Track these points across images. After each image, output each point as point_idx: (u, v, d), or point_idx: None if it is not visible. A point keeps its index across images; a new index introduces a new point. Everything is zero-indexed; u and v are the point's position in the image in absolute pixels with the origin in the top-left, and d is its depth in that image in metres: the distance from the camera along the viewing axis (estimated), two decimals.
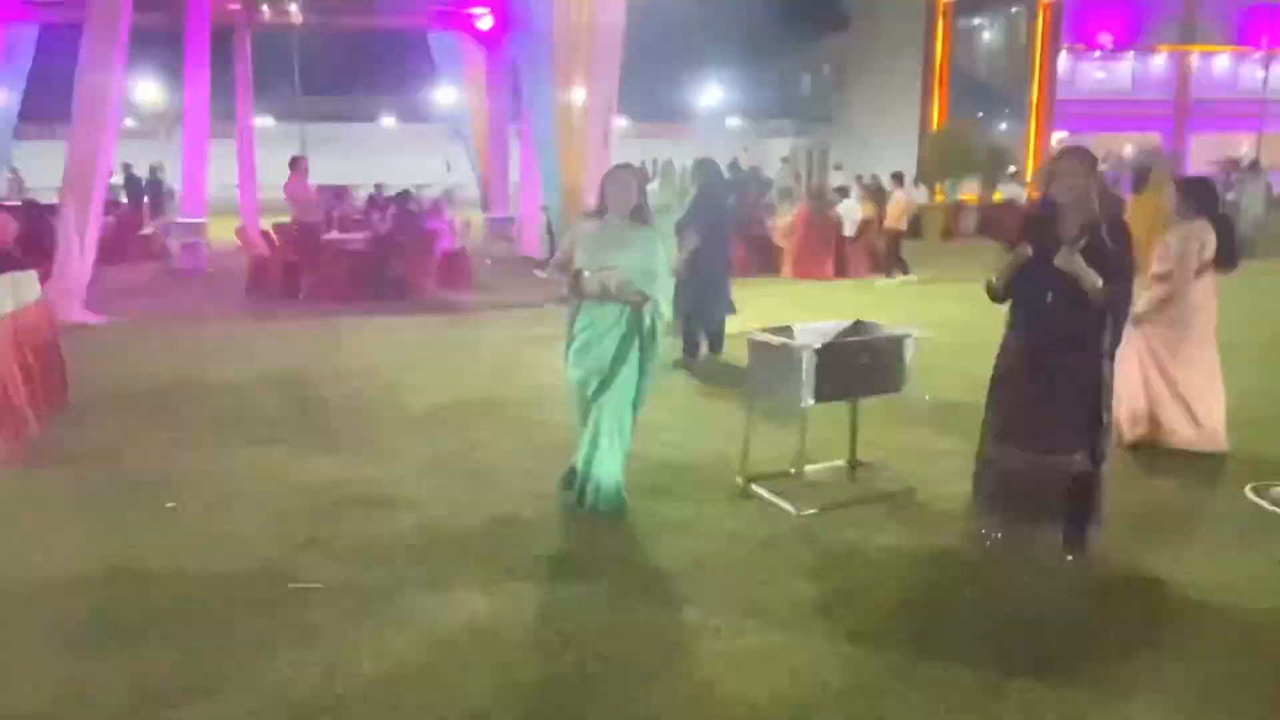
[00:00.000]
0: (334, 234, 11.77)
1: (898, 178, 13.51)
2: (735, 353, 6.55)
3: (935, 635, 3.14)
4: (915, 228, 18.87)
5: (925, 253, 16.25)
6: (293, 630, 3.15)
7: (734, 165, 17.90)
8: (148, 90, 34.18)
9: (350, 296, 10.78)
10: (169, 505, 4.35)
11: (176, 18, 13.75)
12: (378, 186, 16.45)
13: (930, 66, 30.66)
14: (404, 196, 12.28)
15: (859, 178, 18.28)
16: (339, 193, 15.44)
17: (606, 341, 4.03)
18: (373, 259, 11.25)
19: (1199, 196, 4.94)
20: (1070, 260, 3.46)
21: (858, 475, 4.77)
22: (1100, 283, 3.47)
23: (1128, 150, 20.54)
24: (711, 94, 37.24)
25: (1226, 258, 4.87)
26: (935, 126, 29.01)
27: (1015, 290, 3.70)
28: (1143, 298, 4.95)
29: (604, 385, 4.05)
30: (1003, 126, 32.50)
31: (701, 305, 7.28)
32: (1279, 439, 5.28)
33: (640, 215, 4.07)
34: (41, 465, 4.95)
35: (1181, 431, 5.01)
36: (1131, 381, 4.99)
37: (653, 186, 8.52)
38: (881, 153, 32.09)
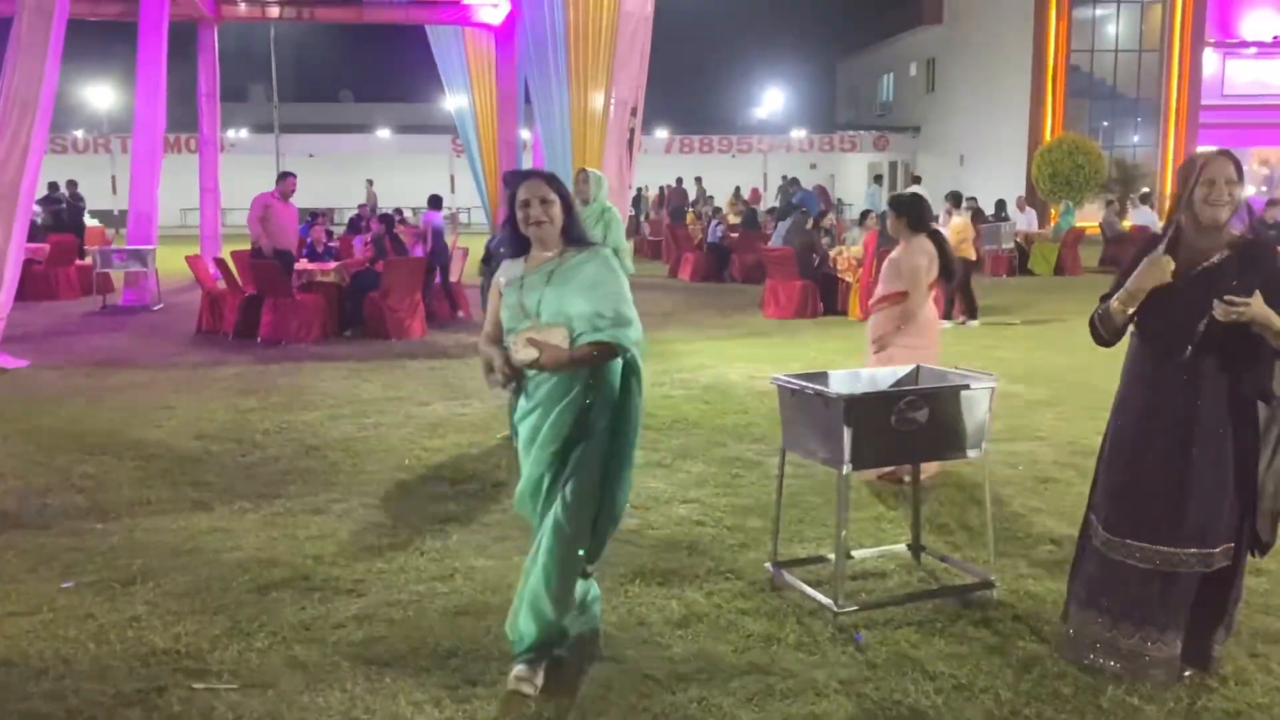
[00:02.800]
0: (303, 263, 12.00)
1: (954, 198, 13.49)
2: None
3: None
4: (1023, 260, 18.79)
5: (1032, 290, 16.12)
6: None
7: (792, 184, 18.02)
8: (102, 96, 35.56)
9: (318, 337, 10.95)
10: (65, 585, 4.38)
11: (130, 6, 14.31)
12: (361, 207, 16.85)
13: (1042, 66, 30.75)
14: (389, 218, 12.51)
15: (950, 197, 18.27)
16: (315, 215, 15.81)
17: (562, 419, 3.40)
18: (348, 293, 11.44)
19: (912, 214, 5.85)
20: (1245, 308, 3.13)
21: (922, 563, 4.65)
22: None
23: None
24: (772, 100, 37.68)
25: (945, 273, 5.81)
26: (1048, 138, 28.97)
27: (1142, 329, 3.47)
28: (880, 318, 5.88)
29: (555, 478, 3.43)
30: (1133, 139, 32.35)
31: None
32: None
33: (574, 236, 3.51)
34: None
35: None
36: None
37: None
38: (982, 169, 32.11)
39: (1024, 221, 20.20)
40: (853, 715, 3.30)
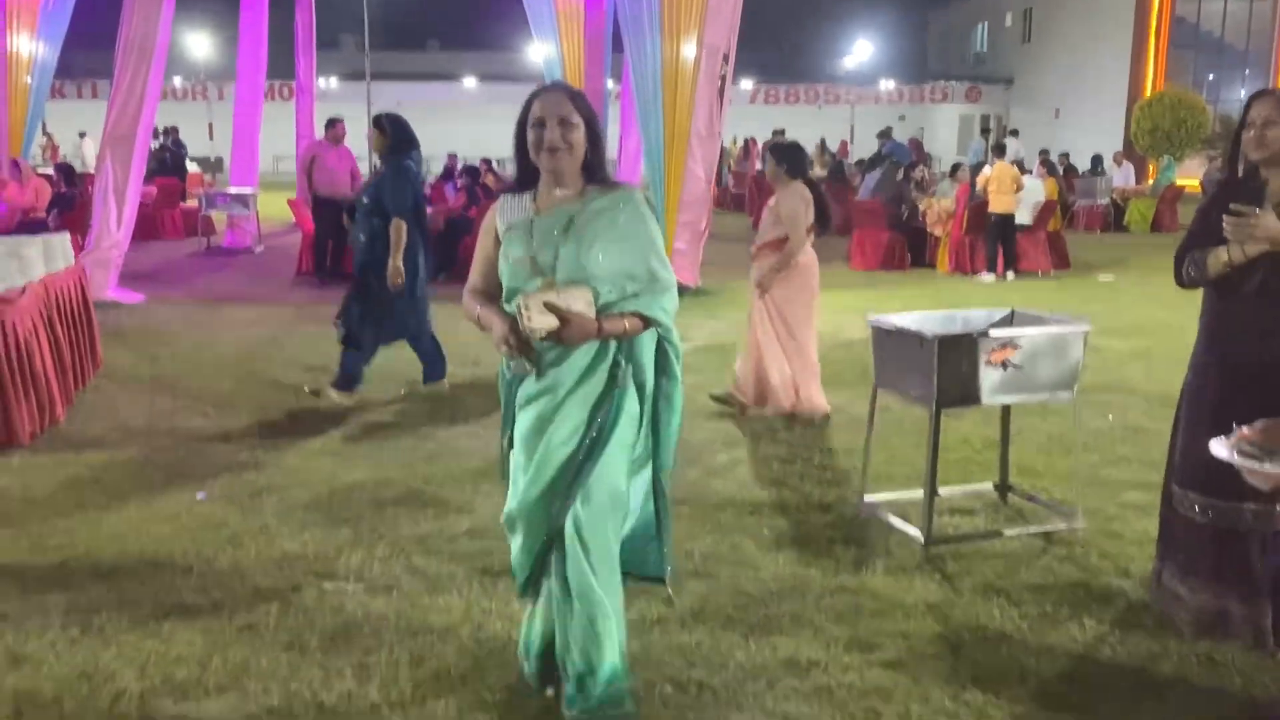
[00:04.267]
0: None
1: (999, 150, 13.26)
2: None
3: (1084, 694, 3.16)
4: (1119, 216, 18.40)
5: (1126, 245, 15.82)
6: (326, 631, 3.43)
7: (883, 135, 17.84)
8: (200, 44, 36.46)
9: None
10: (199, 496, 4.75)
11: None
12: (451, 156, 17.18)
13: (1145, 16, 29.68)
14: (474, 169, 12.78)
15: (1044, 153, 17.97)
16: None
17: (574, 408, 2.71)
18: (441, 238, 11.77)
19: (791, 161, 6.10)
20: (1254, 221, 3.11)
21: (1009, 503, 4.77)
22: None
23: None
24: (860, 50, 37.00)
25: (821, 219, 6.05)
26: (1149, 92, 28.06)
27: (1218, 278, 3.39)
28: (763, 264, 6.08)
29: (579, 483, 2.70)
30: (1240, 93, 31.09)
31: (380, 321, 6.43)
32: None
33: (598, 174, 2.77)
34: (66, 446, 5.48)
35: (811, 395, 6.15)
36: (774, 349, 6.11)
37: None
38: (1078, 123, 31.26)
39: (1121, 177, 19.72)
40: (940, 634, 3.48)
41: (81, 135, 24.98)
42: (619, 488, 2.76)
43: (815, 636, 3.44)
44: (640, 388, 2.78)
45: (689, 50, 10.64)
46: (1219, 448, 2.08)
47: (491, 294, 2.83)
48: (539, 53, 19.17)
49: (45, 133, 24.41)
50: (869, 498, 4.60)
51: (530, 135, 2.70)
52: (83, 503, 4.68)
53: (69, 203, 12.52)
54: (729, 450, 5.56)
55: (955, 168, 14.17)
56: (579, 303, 2.61)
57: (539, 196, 2.78)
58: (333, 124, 11.91)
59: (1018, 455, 5.29)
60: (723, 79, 10.63)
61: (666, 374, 2.81)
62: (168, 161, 19.01)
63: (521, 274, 2.70)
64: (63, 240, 6.64)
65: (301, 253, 12.41)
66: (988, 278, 12.27)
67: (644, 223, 2.74)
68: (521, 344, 2.65)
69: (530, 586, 2.88)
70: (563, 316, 2.58)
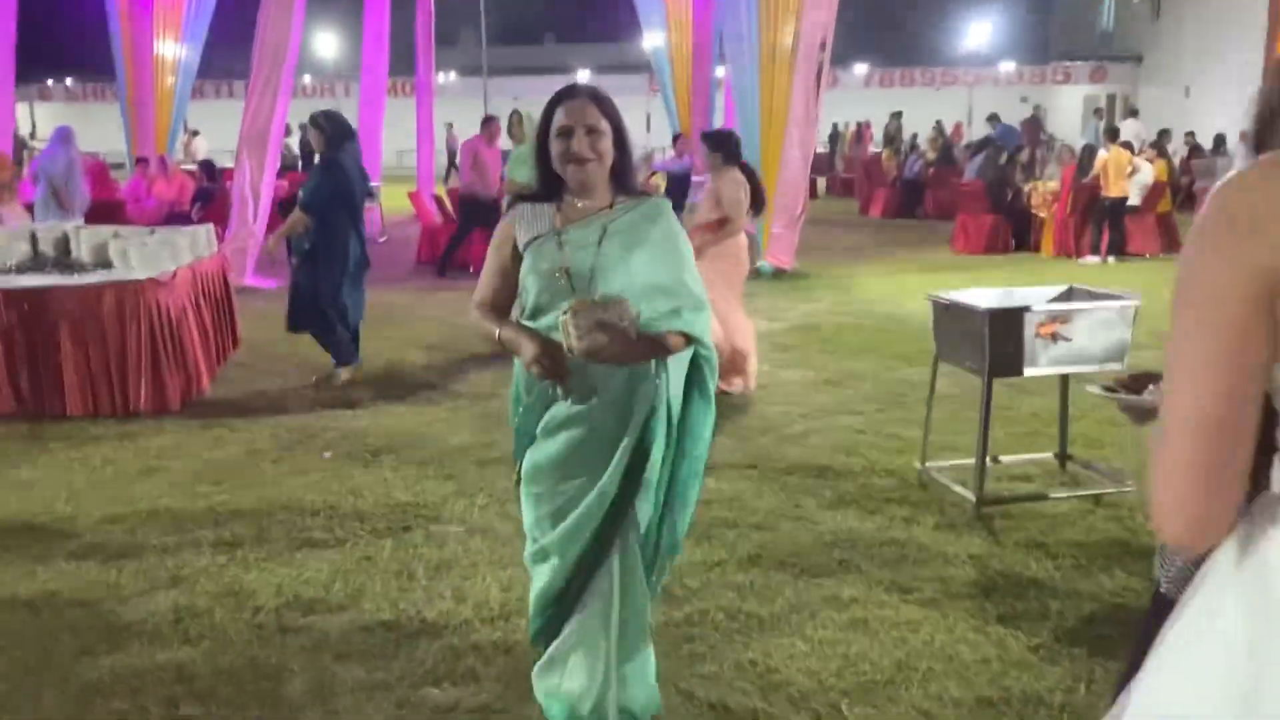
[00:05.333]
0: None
1: (1111, 133, 13.12)
2: None
3: (1100, 631, 3.48)
4: None
5: None
6: (431, 562, 4.00)
7: (993, 119, 17.76)
8: (327, 44, 38.20)
9: None
10: (325, 455, 5.40)
11: None
12: None
13: None
14: None
15: (1162, 133, 17.61)
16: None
17: (618, 437, 2.54)
18: None
19: (727, 147, 6.45)
20: None
21: (1066, 470, 5.05)
22: None
23: None
24: (979, 31, 36.39)
25: (755, 202, 6.43)
26: None
27: None
28: (699, 240, 6.12)
29: (611, 520, 2.59)
30: None
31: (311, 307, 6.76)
32: None
33: (625, 182, 2.61)
34: (210, 412, 6.22)
35: (738, 376, 6.41)
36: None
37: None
38: (1209, 101, 30.14)
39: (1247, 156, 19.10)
40: (974, 579, 3.84)
41: (194, 133, 26.41)
42: (653, 510, 2.66)
43: (859, 579, 3.84)
44: (668, 407, 2.56)
45: (786, 36, 10.96)
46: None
47: (501, 308, 2.66)
48: (650, 42, 19.68)
49: (186, 130, 26.03)
50: (930, 464, 4.95)
51: (555, 145, 2.51)
52: (225, 459, 5.38)
53: (210, 196, 13.57)
54: (805, 420, 5.95)
55: (1061, 149, 14.11)
56: (624, 319, 2.38)
57: (563, 208, 2.59)
58: (489, 121, 12.43)
59: (1084, 427, 5.55)
60: (820, 64, 10.91)
61: (701, 392, 2.61)
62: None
63: (549, 287, 2.52)
64: (207, 231, 7.45)
65: (421, 243, 13.19)
66: (1092, 260, 12.26)
67: (677, 235, 2.59)
68: (556, 366, 2.44)
69: (545, 633, 2.78)
70: (608, 332, 2.33)
